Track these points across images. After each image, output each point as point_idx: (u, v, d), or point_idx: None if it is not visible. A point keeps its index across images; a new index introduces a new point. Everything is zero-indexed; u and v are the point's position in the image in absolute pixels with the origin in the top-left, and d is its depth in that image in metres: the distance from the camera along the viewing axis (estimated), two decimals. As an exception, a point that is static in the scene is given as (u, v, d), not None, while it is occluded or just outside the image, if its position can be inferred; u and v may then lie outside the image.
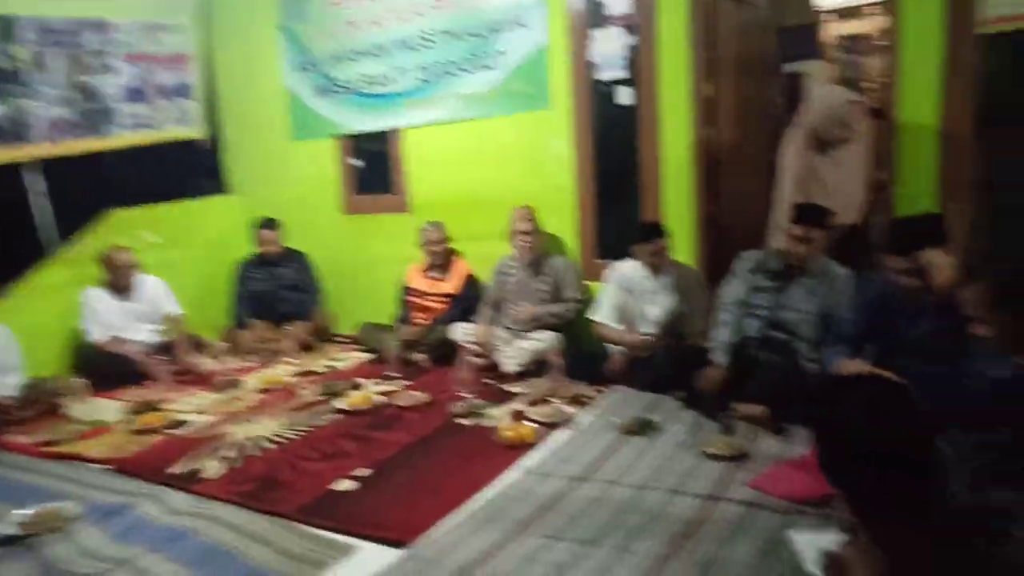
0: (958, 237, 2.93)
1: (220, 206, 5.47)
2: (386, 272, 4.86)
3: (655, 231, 3.69)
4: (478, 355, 4.04)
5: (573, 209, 4.26)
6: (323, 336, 4.87)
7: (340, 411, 3.55)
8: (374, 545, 2.38)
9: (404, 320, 4.52)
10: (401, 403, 3.59)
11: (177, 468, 3.03)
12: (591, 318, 3.91)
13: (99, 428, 3.56)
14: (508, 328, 4.12)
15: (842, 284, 3.19)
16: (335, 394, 3.78)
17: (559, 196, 4.26)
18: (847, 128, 3.47)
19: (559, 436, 3.12)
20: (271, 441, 3.25)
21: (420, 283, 4.52)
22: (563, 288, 4.10)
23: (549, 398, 3.50)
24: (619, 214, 4.13)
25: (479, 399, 3.53)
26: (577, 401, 3.46)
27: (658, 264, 3.69)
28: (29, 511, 2.59)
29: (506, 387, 3.75)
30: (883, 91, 3.55)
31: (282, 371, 4.32)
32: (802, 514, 2.34)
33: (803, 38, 5.30)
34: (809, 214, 3.19)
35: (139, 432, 3.47)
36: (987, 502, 1.17)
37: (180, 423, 3.55)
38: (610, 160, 4.14)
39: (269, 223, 4.86)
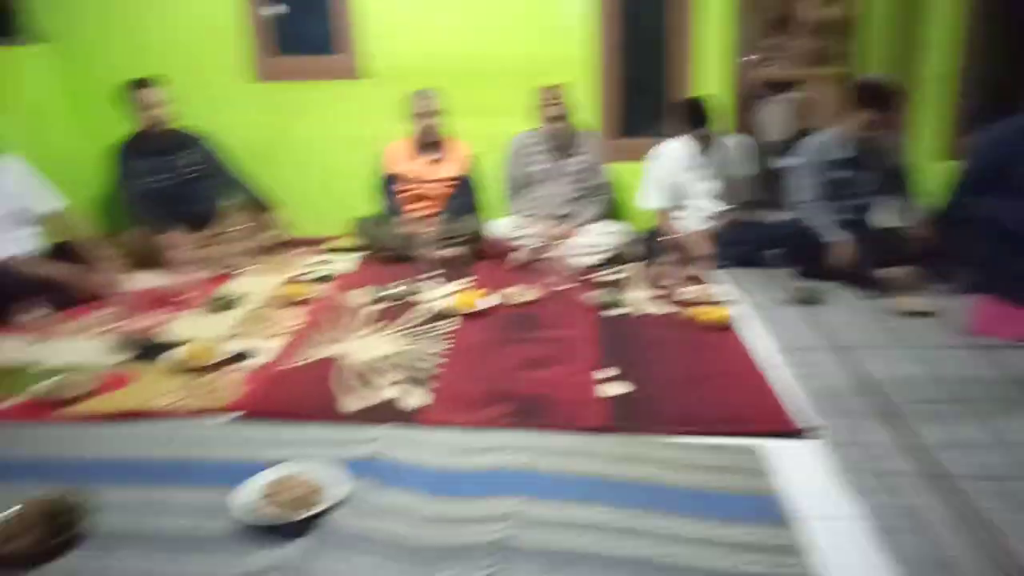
0: None
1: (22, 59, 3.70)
2: (331, 155, 3.89)
3: (705, 113, 3.43)
4: (541, 250, 3.45)
5: (591, 83, 3.80)
6: (273, 239, 3.69)
7: (438, 318, 2.75)
8: (770, 441, 1.93)
9: (395, 211, 3.62)
10: (514, 302, 2.91)
11: (352, 403, 2.08)
12: (644, 206, 3.60)
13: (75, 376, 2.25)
14: (531, 216, 3.57)
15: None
16: (401, 300, 2.92)
17: (575, 67, 3.76)
18: None
19: (743, 314, 2.84)
20: (420, 361, 2.39)
21: (413, 167, 3.64)
22: (593, 172, 3.66)
23: (665, 283, 3.15)
24: (645, 88, 3.82)
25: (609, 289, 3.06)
26: (696, 281, 3.17)
27: (709, 141, 3.51)
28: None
29: (592, 278, 3.28)
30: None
31: (271, 282, 3.20)
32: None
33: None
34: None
35: (194, 371, 2.28)
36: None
37: (240, 356, 2.42)
38: (634, 25, 3.77)
39: (144, 82, 3.44)
